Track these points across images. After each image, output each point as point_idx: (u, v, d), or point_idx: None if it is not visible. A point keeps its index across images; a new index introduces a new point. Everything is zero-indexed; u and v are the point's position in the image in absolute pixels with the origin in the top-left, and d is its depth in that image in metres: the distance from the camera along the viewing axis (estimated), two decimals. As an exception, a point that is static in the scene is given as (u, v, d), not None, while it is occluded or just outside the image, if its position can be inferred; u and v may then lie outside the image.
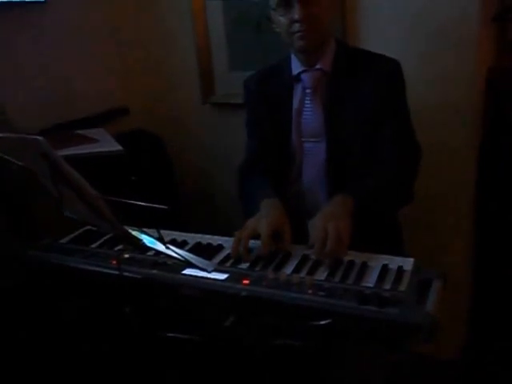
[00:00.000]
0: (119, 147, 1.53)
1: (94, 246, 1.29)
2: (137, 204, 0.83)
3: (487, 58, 1.73)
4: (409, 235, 1.45)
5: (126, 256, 1.09)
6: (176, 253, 0.95)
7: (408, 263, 1.07)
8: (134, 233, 1.02)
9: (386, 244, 1.18)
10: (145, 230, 1.01)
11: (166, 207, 0.77)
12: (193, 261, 0.95)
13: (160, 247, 0.99)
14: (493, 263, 1.80)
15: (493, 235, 1.79)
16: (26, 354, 1.22)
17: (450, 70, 1.66)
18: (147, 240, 1.02)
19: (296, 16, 1.26)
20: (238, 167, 1.52)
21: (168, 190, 2.08)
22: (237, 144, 2.02)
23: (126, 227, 1.00)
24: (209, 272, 0.96)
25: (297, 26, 1.28)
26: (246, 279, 1.04)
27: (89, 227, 1.36)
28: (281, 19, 1.30)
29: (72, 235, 1.35)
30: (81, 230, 1.37)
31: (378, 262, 1.09)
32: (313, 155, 1.39)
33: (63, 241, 1.33)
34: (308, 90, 1.38)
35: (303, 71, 1.37)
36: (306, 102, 1.38)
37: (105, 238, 1.31)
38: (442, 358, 1.74)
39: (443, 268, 1.05)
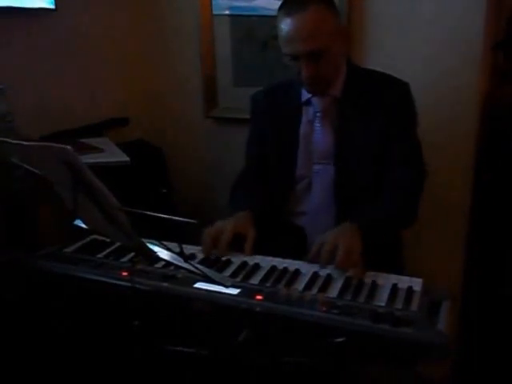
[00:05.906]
0: (126, 158, 1.53)
1: (100, 255, 1.27)
2: (162, 217, 0.83)
3: (485, 85, 1.79)
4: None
5: (139, 267, 1.09)
6: (194, 266, 0.95)
7: (417, 284, 1.09)
8: (150, 245, 1.02)
9: (387, 262, 1.18)
10: (163, 242, 1.01)
11: (195, 221, 0.78)
12: (210, 275, 0.96)
13: (175, 260, 1.00)
14: (485, 282, 1.84)
15: (485, 257, 1.83)
16: (27, 368, 1.19)
17: (450, 95, 1.71)
18: (161, 253, 1.02)
19: (302, 73, 1.26)
20: (236, 177, 1.54)
21: (165, 201, 2.07)
22: (237, 158, 2.03)
23: (143, 239, 1.00)
24: (227, 287, 0.96)
25: (304, 78, 1.28)
26: (259, 295, 1.05)
27: (94, 237, 1.35)
28: (290, 63, 1.29)
29: (77, 244, 1.33)
30: (85, 240, 1.36)
31: (387, 281, 1.11)
32: (321, 177, 1.41)
33: (68, 250, 1.31)
34: (318, 114, 1.39)
35: (313, 95, 1.38)
36: (316, 124, 1.40)
37: (111, 247, 1.29)
38: (433, 377, 1.75)
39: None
